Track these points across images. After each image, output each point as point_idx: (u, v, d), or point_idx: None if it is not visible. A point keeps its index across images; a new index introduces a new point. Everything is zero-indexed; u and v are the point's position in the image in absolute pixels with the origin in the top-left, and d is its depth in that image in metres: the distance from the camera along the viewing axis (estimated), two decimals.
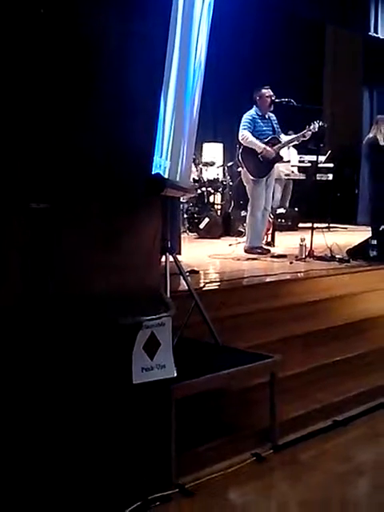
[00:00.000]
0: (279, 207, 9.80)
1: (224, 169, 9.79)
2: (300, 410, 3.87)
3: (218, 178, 9.52)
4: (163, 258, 3.79)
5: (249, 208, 7.01)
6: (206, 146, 10.28)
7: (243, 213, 8.41)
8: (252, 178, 6.83)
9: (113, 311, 2.81)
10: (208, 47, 4.27)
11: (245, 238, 7.18)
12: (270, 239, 7.89)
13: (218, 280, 5.48)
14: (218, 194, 9.62)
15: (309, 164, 10.25)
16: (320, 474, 3.30)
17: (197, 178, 9.29)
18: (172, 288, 3.82)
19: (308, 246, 6.60)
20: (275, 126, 6.97)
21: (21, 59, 2.67)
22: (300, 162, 10.46)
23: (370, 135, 7.66)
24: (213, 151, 10.33)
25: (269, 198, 7.06)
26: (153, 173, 3.08)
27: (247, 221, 7.11)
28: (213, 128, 10.81)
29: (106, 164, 2.96)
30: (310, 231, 6.79)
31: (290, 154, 9.89)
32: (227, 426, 3.54)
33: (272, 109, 6.94)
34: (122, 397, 2.88)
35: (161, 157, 3.24)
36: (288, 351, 4.18)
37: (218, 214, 9.35)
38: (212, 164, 9.72)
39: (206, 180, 9.38)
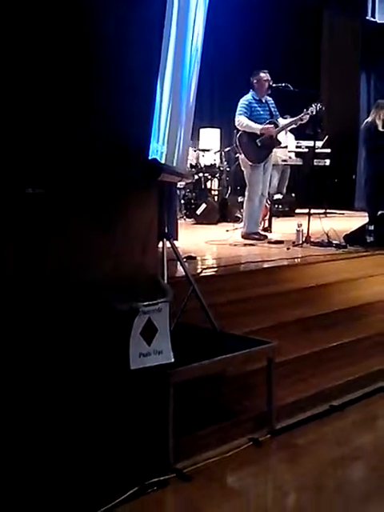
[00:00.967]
0: (276, 193, 9.79)
1: (221, 154, 9.76)
2: (297, 394, 3.88)
3: (215, 164, 9.49)
4: (160, 244, 3.79)
5: (246, 193, 7.00)
6: (203, 131, 10.23)
7: (240, 198, 8.40)
8: (250, 163, 6.81)
9: (110, 297, 2.81)
10: (205, 32, 4.24)
11: (242, 224, 7.18)
12: (267, 225, 7.90)
13: (215, 266, 5.49)
14: (215, 179, 9.60)
15: (306, 149, 10.23)
16: (317, 458, 3.32)
17: (194, 164, 9.27)
18: (169, 274, 3.82)
19: (305, 231, 6.61)
20: (273, 109, 6.92)
21: (16, 43, 2.65)
22: (297, 147, 10.43)
23: (369, 119, 7.64)
24: (210, 137, 10.29)
25: (266, 183, 7.05)
26: (149, 158, 3.07)
27: (244, 206, 7.10)
28: (210, 113, 10.76)
29: (103, 149, 2.94)
30: (306, 217, 6.80)
31: (287, 140, 9.87)
32: (225, 410, 3.55)
33: (269, 93, 6.90)
34: (119, 382, 2.89)
35: (157, 142, 3.22)
36: (285, 336, 4.20)
37: (215, 199, 9.33)
38: (209, 150, 9.70)
39: (203, 165, 9.35)
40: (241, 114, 6.79)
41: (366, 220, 7.15)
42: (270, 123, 6.83)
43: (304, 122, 6.93)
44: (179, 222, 7.15)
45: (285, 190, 10.24)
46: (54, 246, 2.77)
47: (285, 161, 9.98)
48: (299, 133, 9.49)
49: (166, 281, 3.62)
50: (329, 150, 10.43)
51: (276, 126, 6.88)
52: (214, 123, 10.53)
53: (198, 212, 8.79)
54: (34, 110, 2.71)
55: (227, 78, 10.62)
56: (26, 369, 2.68)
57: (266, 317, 4.53)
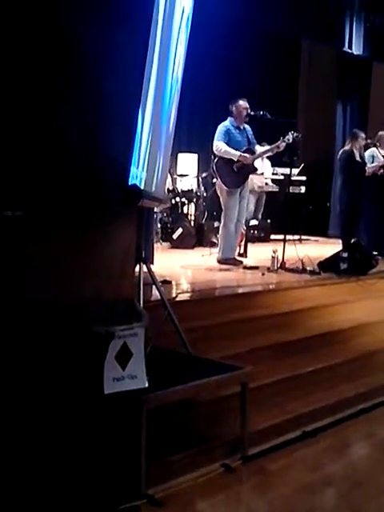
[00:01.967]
0: (252, 218, 9.87)
1: (198, 179, 9.84)
2: (270, 420, 3.90)
3: (192, 189, 9.57)
4: (137, 268, 3.81)
5: (222, 219, 7.04)
6: (180, 156, 10.32)
7: (216, 224, 8.46)
8: (226, 188, 6.86)
9: (86, 320, 2.82)
10: (185, 59, 4.31)
11: (217, 249, 7.22)
12: (242, 250, 7.96)
13: (190, 290, 5.51)
14: (192, 204, 9.66)
15: (282, 176, 10.36)
16: (288, 485, 3.32)
17: (171, 188, 9.33)
18: (145, 297, 3.84)
19: (280, 257, 6.66)
20: (250, 137, 7.01)
21: None
22: (274, 174, 10.56)
23: (346, 148, 7.81)
24: (188, 162, 10.38)
25: (242, 209, 7.10)
26: (129, 183, 3.10)
27: (220, 232, 7.13)
28: (187, 139, 10.85)
29: (83, 173, 2.97)
30: (282, 243, 6.86)
31: (263, 166, 9.99)
32: (198, 436, 3.55)
33: (247, 120, 6.99)
34: (93, 406, 2.88)
35: (137, 168, 3.26)
36: (259, 362, 4.22)
37: (192, 224, 9.39)
38: (186, 175, 9.78)
39: (180, 190, 9.42)
40: (219, 140, 6.85)
41: (340, 247, 7.26)
42: (247, 150, 6.91)
43: (280, 150, 7.03)
44: (155, 245, 7.17)
45: (260, 216, 10.33)
46: (33, 269, 2.78)
47: (261, 187, 10.09)
48: (275, 160, 9.61)
49: (141, 304, 3.63)
50: (304, 178, 10.58)
51: (253, 153, 6.96)
52: (191, 148, 10.63)
53: (175, 236, 8.83)
54: (13, 132, 2.72)
55: (206, 105, 10.73)
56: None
57: (240, 342, 4.55)
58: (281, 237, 7.25)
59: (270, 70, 11.51)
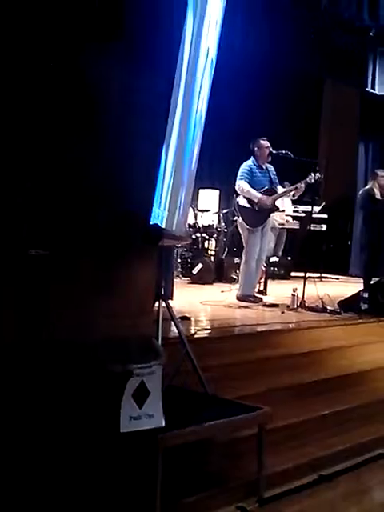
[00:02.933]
0: (272, 255, 9.87)
1: (219, 215, 9.88)
2: (287, 463, 3.84)
3: (212, 225, 9.61)
4: (156, 304, 3.82)
5: (243, 256, 7.06)
6: (202, 191, 10.39)
7: (236, 260, 8.47)
8: (247, 226, 6.90)
9: (104, 358, 2.82)
10: (209, 96, 4.37)
11: (237, 285, 7.22)
12: (262, 287, 7.94)
13: (209, 327, 5.49)
14: (213, 240, 9.69)
15: (303, 214, 10.37)
16: None
17: (192, 224, 9.38)
18: (164, 334, 3.84)
19: (300, 296, 6.64)
20: (272, 176, 7.06)
21: (26, 110, 2.74)
22: (295, 211, 10.58)
23: (367, 187, 7.83)
24: (209, 197, 10.44)
25: (264, 247, 7.13)
26: (151, 223, 3.13)
27: (241, 268, 7.15)
28: (209, 174, 10.94)
29: (106, 212, 3.01)
30: (302, 280, 6.85)
31: (284, 204, 10.02)
32: (213, 477, 3.51)
33: (269, 160, 7.06)
34: (109, 445, 2.87)
35: (159, 207, 3.30)
36: (277, 402, 4.17)
37: (212, 260, 9.40)
38: (207, 210, 9.84)
39: (201, 226, 9.46)
40: (242, 179, 6.92)
41: (361, 286, 7.21)
42: (269, 190, 6.96)
43: (301, 191, 7.08)
44: (175, 280, 7.19)
45: (281, 253, 10.33)
46: (54, 308, 2.80)
47: (282, 224, 10.11)
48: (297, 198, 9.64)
49: (160, 341, 3.63)
50: (326, 216, 10.57)
51: (274, 192, 7.01)
52: (213, 184, 10.70)
53: (194, 271, 8.84)
54: (40, 173, 2.78)
55: (228, 141, 10.84)
56: (20, 429, 2.67)
57: (258, 381, 4.52)
58: (301, 274, 7.23)
59: (294, 108, 11.60)
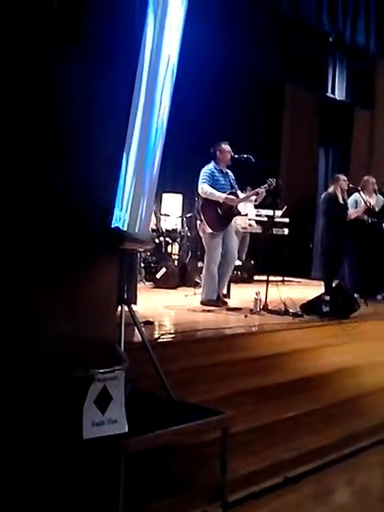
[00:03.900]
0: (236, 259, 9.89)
1: (182, 219, 9.88)
2: (251, 466, 3.84)
3: (176, 229, 9.60)
4: (118, 309, 3.79)
5: (205, 260, 7.05)
6: (165, 196, 10.37)
7: (200, 264, 8.46)
8: (209, 230, 6.89)
9: (66, 363, 2.78)
10: (171, 102, 4.36)
11: (201, 290, 7.21)
12: (225, 291, 7.94)
13: (172, 332, 5.47)
14: (176, 244, 9.68)
15: (265, 218, 10.43)
16: None
17: (155, 228, 9.35)
18: (126, 339, 3.81)
19: (263, 299, 6.66)
20: (232, 182, 7.09)
21: None
22: (257, 215, 10.63)
23: (330, 191, 7.91)
24: (172, 202, 10.43)
25: (232, 250, 7.15)
26: (112, 226, 3.10)
27: (203, 273, 7.14)
28: (172, 179, 10.93)
29: (66, 215, 2.97)
30: (265, 284, 6.87)
31: (247, 208, 10.06)
32: (177, 482, 3.49)
33: (230, 164, 7.07)
34: (72, 451, 2.83)
35: (121, 210, 3.27)
36: (241, 406, 4.18)
37: (175, 264, 9.39)
38: (168, 216, 9.84)
39: (164, 230, 9.44)
40: (204, 182, 6.91)
41: (322, 289, 7.28)
42: (231, 194, 6.97)
43: (262, 197, 7.12)
44: (138, 285, 7.15)
45: (244, 257, 10.36)
46: (12, 310, 2.75)
47: (245, 228, 10.15)
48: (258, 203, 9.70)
49: (122, 346, 3.60)
50: (287, 220, 10.65)
51: (236, 196, 7.03)
52: (176, 189, 10.69)
53: (158, 276, 8.81)
54: None
55: (190, 146, 10.82)
56: None
57: (222, 385, 4.51)
58: (264, 278, 7.26)
59: (254, 113, 11.68)
